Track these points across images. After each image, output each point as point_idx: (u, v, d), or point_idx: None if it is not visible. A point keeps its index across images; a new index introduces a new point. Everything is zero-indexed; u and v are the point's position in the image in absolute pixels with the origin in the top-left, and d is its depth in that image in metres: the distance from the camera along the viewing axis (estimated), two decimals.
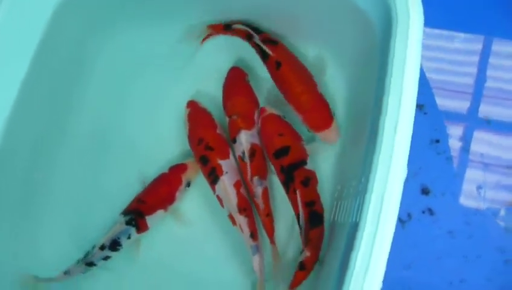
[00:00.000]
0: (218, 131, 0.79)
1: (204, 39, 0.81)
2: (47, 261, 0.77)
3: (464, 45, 0.89)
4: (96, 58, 0.85)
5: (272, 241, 0.75)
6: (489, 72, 0.88)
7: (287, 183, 0.73)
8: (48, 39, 0.70)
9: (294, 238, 0.77)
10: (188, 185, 0.79)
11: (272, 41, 0.77)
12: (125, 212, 0.76)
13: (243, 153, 0.75)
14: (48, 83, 0.75)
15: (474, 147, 0.85)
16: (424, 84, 0.88)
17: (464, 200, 0.83)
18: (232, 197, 0.74)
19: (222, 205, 0.76)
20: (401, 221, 0.83)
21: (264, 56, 0.77)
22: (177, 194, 0.78)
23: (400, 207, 0.52)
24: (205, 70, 0.85)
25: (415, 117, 0.55)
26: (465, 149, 0.85)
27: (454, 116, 0.87)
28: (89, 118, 0.84)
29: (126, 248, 0.76)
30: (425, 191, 0.84)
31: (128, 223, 0.75)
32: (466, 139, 0.85)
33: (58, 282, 0.75)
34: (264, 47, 0.76)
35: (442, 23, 0.90)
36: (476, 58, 0.89)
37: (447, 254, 0.81)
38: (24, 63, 0.68)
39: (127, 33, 0.85)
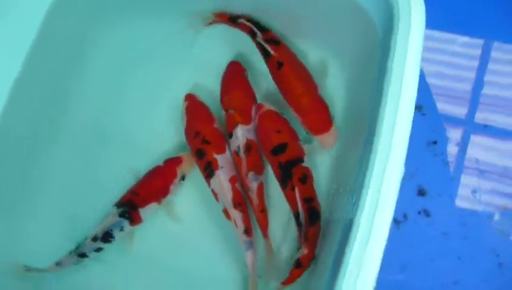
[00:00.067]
0: (215, 125, 0.78)
1: (208, 24, 0.80)
2: (40, 253, 0.76)
3: (463, 48, 0.89)
4: (94, 51, 0.85)
5: (266, 236, 0.74)
6: (488, 77, 0.88)
7: (285, 181, 0.73)
8: (45, 33, 0.71)
9: (289, 235, 0.77)
10: (183, 178, 0.79)
11: (275, 41, 0.77)
12: (119, 204, 0.76)
13: (239, 147, 0.75)
14: (45, 76, 0.75)
15: (471, 150, 0.85)
16: (423, 85, 0.88)
17: (459, 202, 0.83)
18: (227, 192, 0.74)
19: (217, 199, 0.75)
20: (396, 221, 0.83)
21: (266, 55, 0.77)
22: (172, 187, 0.78)
23: (396, 207, 0.52)
24: (204, 64, 0.85)
25: (413, 118, 0.55)
26: (462, 152, 0.85)
27: (452, 119, 0.87)
28: (86, 110, 0.84)
29: (119, 240, 0.76)
30: (421, 192, 0.84)
31: (121, 215, 0.75)
32: (463, 143, 0.86)
33: (49, 273, 0.75)
34: (267, 46, 0.75)
35: (442, 25, 0.91)
36: (475, 63, 0.89)
37: (441, 255, 0.81)
38: (19, 58, 0.69)
39: (125, 26, 0.85)
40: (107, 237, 0.74)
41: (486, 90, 0.87)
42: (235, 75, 0.80)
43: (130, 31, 0.86)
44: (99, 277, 0.79)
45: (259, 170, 0.76)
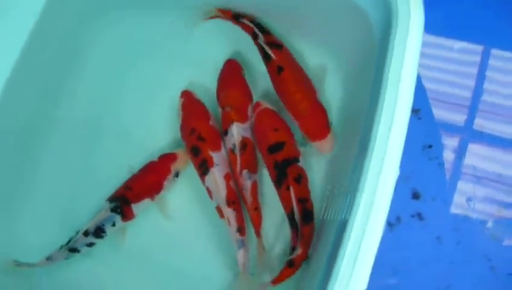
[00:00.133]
0: (211, 122, 0.78)
1: (210, 18, 0.80)
2: (33, 248, 0.76)
3: (461, 54, 0.90)
4: (90, 47, 0.85)
5: (258, 235, 0.74)
6: (487, 85, 0.88)
7: (280, 180, 0.73)
8: (41, 29, 0.71)
9: (281, 234, 0.77)
10: (177, 175, 0.79)
11: (276, 44, 0.76)
12: (111, 199, 0.76)
13: (234, 145, 0.75)
14: (40, 72, 0.75)
15: (466, 156, 0.85)
16: (419, 89, 0.88)
17: (453, 207, 0.83)
18: (221, 190, 0.73)
19: (211, 197, 0.75)
20: (389, 224, 0.83)
21: (266, 58, 0.76)
22: (165, 183, 0.77)
23: (390, 210, 0.53)
24: (201, 61, 0.84)
25: (409, 121, 0.55)
26: (458, 157, 0.85)
27: (448, 123, 0.87)
28: (82, 106, 0.84)
29: (111, 235, 0.76)
30: (415, 196, 0.84)
31: (113, 210, 0.74)
32: (458, 148, 0.86)
33: (40, 267, 0.74)
34: (268, 49, 0.75)
35: (440, 30, 0.91)
36: (474, 70, 0.89)
37: (434, 259, 0.81)
38: (14, 54, 0.69)
39: (121, 22, 0.85)
40: (99, 232, 0.74)
41: (484, 97, 0.87)
42: (232, 73, 0.80)
43: (126, 27, 0.86)
44: (89, 272, 0.78)
45: (253, 169, 0.76)
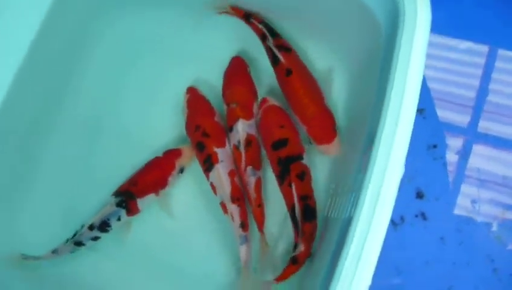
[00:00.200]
0: (216, 119, 0.78)
1: (221, 13, 0.80)
2: (37, 243, 0.76)
3: (466, 55, 0.89)
4: (96, 43, 0.85)
5: (261, 231, 0.74)
6: (491, 85, 0.88)
7: (282, 176, 0.73)
8: (46, 28, 0.71)
9: (285, 231, 0.77)
10: (181, 171, 0.79)
11: (285, 48, 0.76)
12: (117, 194, 0.76)
13: (239, 142, 0.75)
14: (44, 70, 0.75)
15: (471, 157, 0.85)
16: (424, 88, 0.88)
17: (457, 207, 0.83)
18: (225, 186, 0.73)
19: (215, 193, 0.75)
20: (393, 223, 0.83)
21: (274, 61, 0.76)
22: (170, 179, 0.78)
23: (394, 209, 0.52)
24: (207, 58, 0.84)
25: (414, 120, 0.55)
26: (462, 158, 0.85)
27: (452, 124, 0.87)
28: (84, 105, 0.84)
29: (116, 229, 0.76)
30: (419, 195, 0.84)
31: (118, 204, 0.75)
32: (464, 150, 0.85)
33: (46, 260, 0.74)
34: (277, 52, 0.75)
35: (445, 30, 0.90)
36: (479, 70, 0.89)
37: (436, 260, 0.81)
38: (20, 53, 0.69)
39: (126, 19, 0.85)
40: (104, 226, 0.74)
41: (489, 98, 0.87)
42: (237, 69, 0.80)
43: (131, 24, 0.86)
44: (94, 266, 0.78)
45: (257, 165, 0.76)
